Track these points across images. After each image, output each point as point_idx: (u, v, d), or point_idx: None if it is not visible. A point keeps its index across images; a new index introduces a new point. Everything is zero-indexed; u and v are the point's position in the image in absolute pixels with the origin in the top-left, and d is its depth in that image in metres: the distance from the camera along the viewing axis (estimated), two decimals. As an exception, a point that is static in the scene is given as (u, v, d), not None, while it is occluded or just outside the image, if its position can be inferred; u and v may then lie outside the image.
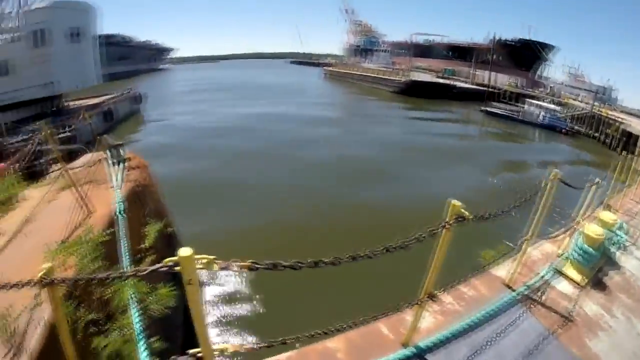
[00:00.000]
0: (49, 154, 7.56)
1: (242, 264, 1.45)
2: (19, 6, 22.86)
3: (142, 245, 5.55)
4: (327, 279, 7.91)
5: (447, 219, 1.96)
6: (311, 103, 43.76)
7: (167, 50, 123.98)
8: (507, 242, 4.69)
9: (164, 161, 16.56)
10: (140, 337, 2.80)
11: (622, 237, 5.74)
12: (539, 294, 4.03)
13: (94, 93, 29.88)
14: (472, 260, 6.16)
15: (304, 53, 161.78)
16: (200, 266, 1.44)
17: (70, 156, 8.21)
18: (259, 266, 1.46)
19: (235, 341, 7.17)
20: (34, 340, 3.19)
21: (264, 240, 10.39)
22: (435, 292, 2.40)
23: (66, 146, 8.64)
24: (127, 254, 4.32)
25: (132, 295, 3.35)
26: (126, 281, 3.46)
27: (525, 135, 33.21)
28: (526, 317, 3.60)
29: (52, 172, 7.43)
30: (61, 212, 5.60)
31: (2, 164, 7.44)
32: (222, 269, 1.44)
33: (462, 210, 1.95)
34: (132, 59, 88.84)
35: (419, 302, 2.38)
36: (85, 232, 4.66)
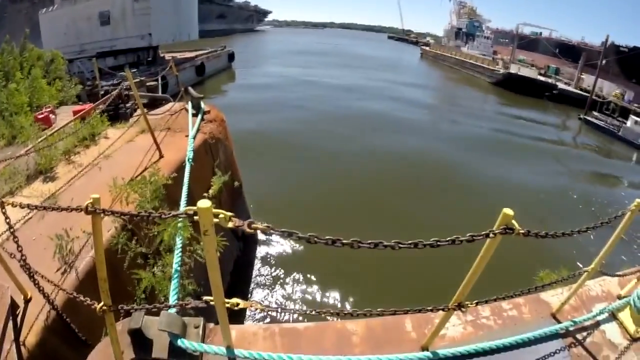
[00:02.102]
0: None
1: (257, 226, 1.43)
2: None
3: (206, 194, 5.89)
4: (365, 262, 7.91)
5: (494, 228, 1.78)
6: (402, 82, 42.31)
7: (264, 12, 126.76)
8: (580, 265, 4.21)
9: (241, 117, 17.35)
10: (176, 276, 2.96)
11: None
12: (585, 333, 3.56)
13: (190, 47, 31.69)
14: (528, 277, 5.75)
15: (403, 30, 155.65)
16: (216, 220, 1.46)
17: (156, 104, 8.81)
18: (273, 231, 1.43)
19: (255, 297, 7.53)
20: (84, 262, 3.53)
21: (320, 208, 10.82)
22: (467, 302, 2.23)
23: (152, 94, 9.23)
24: (185, 198, 4.55)
25: (178, 237, 3.54)
26: (172, 223, 3.66)
27: (621, 154, 29.65)
28: (562, 355, 3.25)
29: (135, 116, 8.03)
30: (135, 153, 6.07)
31: (91, 104, 8.14)
32: (237, 226, 1.44)
33: (513, 222, 1.75)
34: (230, 18, 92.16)
35: (446, 309, 2.23)
36: (151, 173, 5.00)
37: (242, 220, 1.49)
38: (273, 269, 8.32)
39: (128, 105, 8.25)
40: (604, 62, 47.28)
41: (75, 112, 7.51)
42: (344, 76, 38.97)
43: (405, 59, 75.51)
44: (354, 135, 18.85)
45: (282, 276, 8.14)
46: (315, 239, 1.42)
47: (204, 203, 1.45)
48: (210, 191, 5.89)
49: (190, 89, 7.99)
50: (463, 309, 2.23)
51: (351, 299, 7.56)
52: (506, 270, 7.75)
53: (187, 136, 6.30)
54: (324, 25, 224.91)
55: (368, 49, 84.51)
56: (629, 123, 34.72)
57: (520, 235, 1.79)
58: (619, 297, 4.26)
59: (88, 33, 24.28)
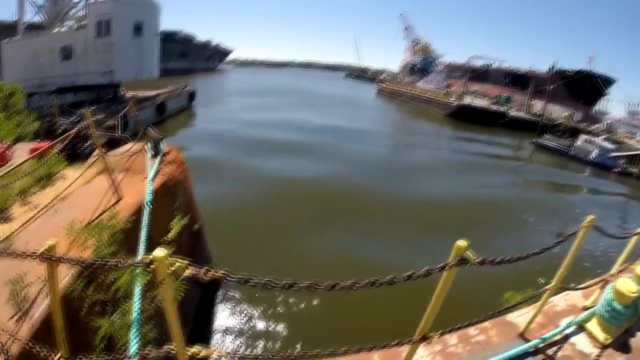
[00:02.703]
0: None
1: (214, 274, 1.41)
2: (87, -4, 24.64)
3: (165, 238, 5.72)
4: (329, 300, 7.86)
5: (449, 261, 1.84)
6: (359, 117, 44.05)
7: (226, 52, 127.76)
8: (543, 280, 4.32)
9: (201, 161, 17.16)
10: (135, 325, 2.83)
11: None
12: (555, 348, 3.65)
13: (151, 86, 31.44)
14: (495, 299, 5.86)
15: (360, 67, 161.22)
16: (173, 268, 1.43)
17: (115, 143, 8.61)
18: (230, 279, 1.42)
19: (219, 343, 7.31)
20: (40, 309, 3.33)
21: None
22: (431, 334, 2.25)
23: (111, 133, 9.04)
24: (144, 243, 4.42)
25: (136, 284, 3.41)
26: (129, 269, 3.53)
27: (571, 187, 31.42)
28: None
29: (94, 156, 7.80)
30: (93, 194, 5.87)
31: (47, 142, 7.87)
32: (194, 275, 1.41)
33: (468, 253, 1.82)
34: (191, 57, 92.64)
35: (411, 342, 2.24)
36: (109, 217, 4.84)
37: (202, 264, 1.46)
38: (237, 313, 8.07)
39: (86, 144, 8.01)
40: (551, 87, 50.80)
41: (33, 150, 7.23)
42: (303, 115, 39.74)
43: (361, 95, 78.07)
44: (313, 178, 18.60)
45: (246, 319, 7.89)
46: (272, 284, 1.42)
47: (159, 252, 1.43)
48: (170, 234, 5.73)
49: (150, 129, 7.89)
50: (428, 341, 2.25)
51: (316, 339, 7.36)
52: (472, 295, 7.89)
53: (146, 178, 6.17)
54: (284, 65, 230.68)
55: (327, 88, 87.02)
56: (579, 142, 37.11)
57: (475, 264, 1.86)
58: (585, 309, 4.38)
59: (49, 67, 23.73)
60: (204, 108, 38.03)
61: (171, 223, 6.08)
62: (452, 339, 3.40)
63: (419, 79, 78.07)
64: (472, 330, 3.58)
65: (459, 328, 3.10)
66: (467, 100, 55.33)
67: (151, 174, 6.30)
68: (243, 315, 8.00)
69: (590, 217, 3.12)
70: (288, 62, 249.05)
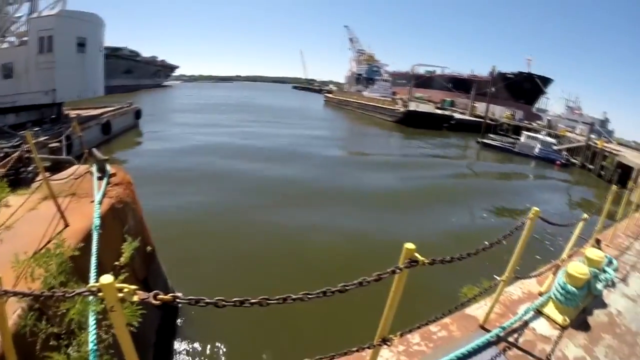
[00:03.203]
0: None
1: (163, 297, 1.40)
2: (29, 11, 23.32)
3: (117, 263, 5.48)
4: (290, 312, 7.83)
5: (399, 264, 1.90)
6: (309, 127, 44.48)
7: (172, 67, 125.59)
8: (496, 277, 4.51)
9: (149, 178, 16.68)
10: (93, 356, 2.69)
11: (610, 274, 5.53)
12: (516, 335, 3.83)
13: (95, 104, 30.10)
14: (453, 295, 6.05)
15: (306, 79, 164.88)
16: (121, 294, 1.40)
17: (60, 167, 8.16)
18: (180, 301, 1.41)
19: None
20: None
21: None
22: (391, 336, 2.31)
23: (55, 156, 8.56)
24: (95, 270, 4.22)
25: (90, 313, 3.25)
26: (79, 299, 3.37)
27: (519, 168, 33.48)
28: None
29: (37, 180, 7.38)
30: (38, 222, 5.52)
31: (-11, 167, 7.38)
32: (143, 300, 1.39)
33: (416, 255, 1.89)
34: (137, 73, 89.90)
35: (372, 346, 2.29)
36: (56, 245, 4.59)
37: (157, 287, 1.44)
38: (199, 335, 7.80)
39: (30, 168, 7.56)
40: (493, 89, 53.69)
41: (-27, 177, 6.73)
42: (253, 127, 39.87)
43: (310, 107, 78.96)
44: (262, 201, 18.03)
45: (209, 341, 7.65)
46: (223, 303, 1.42)
47: (106, 279, 1.40)
48: (122, 259, 5.51)
49: (95, 151, 7.57)
50: (388, 343, 2.31)
51: (283, 353, 7.29)
52: (432, 291, 8.11)
53: (93, 201, 5.92)
54: (230, 79, 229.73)
55: (275, 100, 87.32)
56: (522, 139, 39.59)
57: (425, 265, 1.94)
58: (540, 294, 4.64)
59: (-12, 87, 22.13)
60: (151, 125, 36.89)
61: (122, 247, 5.84)
62: (415, 337, 3.48)
63: (365, 88, 79.88)
64: (433, 328, 3.67)
65: (419, 327, 3.19)
66: (413, 106, 56.96)
67: (98, 197, 6.03)
68: (205, 336, 7.74)
69: (535, 209, 3.29)
70: (234, 76, 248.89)
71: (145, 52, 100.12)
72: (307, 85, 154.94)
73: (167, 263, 8.49)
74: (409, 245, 1.87)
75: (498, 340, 3.66)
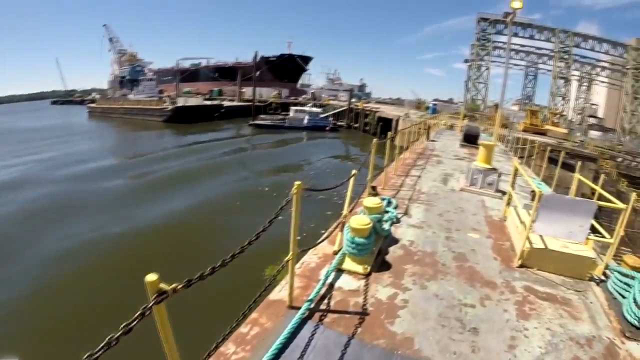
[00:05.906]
0: None
1: None
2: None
3: None
4: None
5: (147, 304, 1.46)
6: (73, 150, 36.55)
7: None
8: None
9: None
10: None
11: (392, 213, 6.15)
12: (326, 300, 3.76)
13: None
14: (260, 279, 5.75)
15: (66, 91, 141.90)
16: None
17: None
18: None
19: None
20: None
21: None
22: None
23: None
24: None
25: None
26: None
27: (294, 139, 36.27)
28: (321, 332, 3.26)
29: None
30: None
31: None
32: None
33: (161, 285, 1.49)
34: None
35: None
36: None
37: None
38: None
39: None
40: (257, 73, 56.64)
41: None
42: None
43: (72, 122, 66.00)
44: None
45: None
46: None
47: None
48: None
49: None
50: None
51: None
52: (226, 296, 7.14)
53: None
54: None
55: (31, 121, 70.26)
56: (291, 114, 43.44)
57: (178, 290, 1.57)
58: (335, 253, 4.64)
59: None
60: None
61: None
62: (229, 347, 3.05)
63: (130, 90, 72.38)
64: (244, 329, 3.29)
65: (230, 332, 2.86)
66: (181, 102, 55.14)
67: None
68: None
69: (297, 183, 3.17)
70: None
71: None
72: (67, 98, 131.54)
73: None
74: (151, 277, 1.45)
75: (311, 313, 3.52)
